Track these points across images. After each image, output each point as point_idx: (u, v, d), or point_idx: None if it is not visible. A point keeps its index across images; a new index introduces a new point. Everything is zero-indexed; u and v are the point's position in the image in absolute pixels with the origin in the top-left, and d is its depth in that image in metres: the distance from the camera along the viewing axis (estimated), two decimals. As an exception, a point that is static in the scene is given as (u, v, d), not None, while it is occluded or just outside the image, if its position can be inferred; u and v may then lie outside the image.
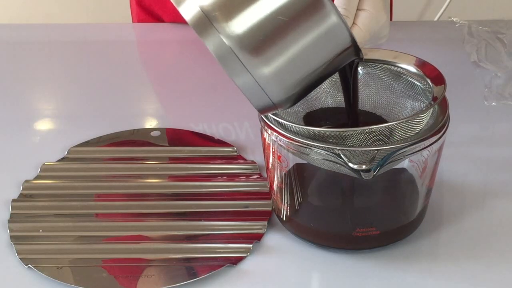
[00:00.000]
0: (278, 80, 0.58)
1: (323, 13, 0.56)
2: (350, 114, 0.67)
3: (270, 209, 0.72)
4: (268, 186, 0.71)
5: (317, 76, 0.60)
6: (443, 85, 0.65)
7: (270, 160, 0.67)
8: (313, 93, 0.70)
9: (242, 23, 0.55)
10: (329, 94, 0.70)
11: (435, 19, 1.75)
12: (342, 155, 0.60)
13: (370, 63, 0.70)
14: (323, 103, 0.70)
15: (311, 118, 0.69)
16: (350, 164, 0.59)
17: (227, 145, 0.82)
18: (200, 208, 0.73)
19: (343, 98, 0.70)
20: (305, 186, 0.66)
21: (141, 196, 0.75)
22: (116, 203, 0.74)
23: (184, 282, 0.65)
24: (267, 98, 0.58)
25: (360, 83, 0.70)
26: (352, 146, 0.61)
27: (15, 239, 0.69)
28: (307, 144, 0.61)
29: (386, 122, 0.68)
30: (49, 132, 0.89)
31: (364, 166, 0.59)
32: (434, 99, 0.63)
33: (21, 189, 0.75)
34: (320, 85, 0.69)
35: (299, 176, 0.66)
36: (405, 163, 0.64)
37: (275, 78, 0.57)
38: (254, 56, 0.56)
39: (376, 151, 0.60)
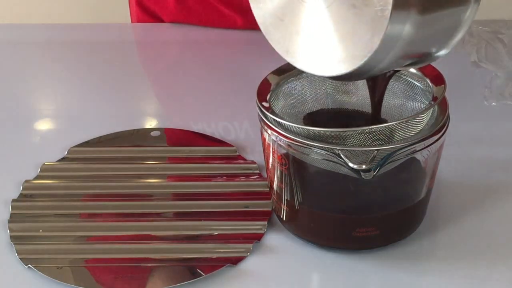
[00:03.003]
0: (405, 48, 0.55)
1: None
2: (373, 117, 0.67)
3: (270, 209, 0.72)
4: (268, 186, 0.71)
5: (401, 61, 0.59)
6: (443, 85, 0.65)
7: (270, 160, 0.67)
8: (313, 95, 0.70)
9: None
10: (329, 95, 0.70)
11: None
12: (342, 155, 0.60)
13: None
14: (323, 104, 0.70)
15: (311, 119, 0.69)
16: (350, 164, 0.59)
17: (227, 145, 0.82)
18: (200, 208, 0.73)
19: (342, 99, 0.70)
20: (305, 186, 0.66)
21: (141, 196, 0.75)
22: (116, 203, 0.74)
23: (184, 282, 0.65)
24: (369, 56, 0.54)
25: (360, 84, 0.70)
26: (352, 146, 0.61)
27: (15, 239, 0.69)
28: (307, 144, 0.61)
29: (386, 122, 0.68)
30: (49, 132, 0.89)
31: (364, 166, 0.59)
32: (434, 99, 0.63)
33: (21, 189, 0.75)
34: (321, 87, 0.70)
35: (299, 176, 0.66)
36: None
37: (407, 45, 0.55)
38: (422, 13, 0.53)
39: (376, 151, 0.60)
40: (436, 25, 0.56)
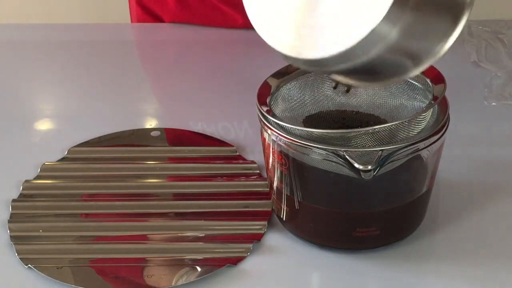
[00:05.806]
0: (384, 48, 0.51)
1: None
2: None
3: (270, 209, 0.72)
4: (268, 186, 0.71)
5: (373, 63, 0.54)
6: (443, 84, 0.65)
7: (270, 160, 0.67)
8: (312, 97, 0.70)
9: None
10: (329, 98, 0.70)
11: (435, 19, 1.74)
12: (347, 156, 0.60)
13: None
14: (323, 106, 0.70)
15: (311, 121, 0.69)
16: (356, 165, 0.59)
17: (227, 145, 0.82)
18: (200, 208, 0.73)
19: (342, 101, 0.70)
20: (305, 186, 0.66)
21: (141, 196, 0.75)
22: (116, 203, 0.74)
23: (184, 282, 0.65)
24: (358, 51, 0.51)
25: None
26: (356, 147, 0.61)
27: (15, 239, 0.69)
28: (310, 146, 0.61)
29: (388, 122, 0.68)
30: (49, 132, 0.89)
31: (369, 167, 0.59)
32: (435, 98, 0.63)
33: (21, 189, 0.75)
34: (320, 89, 0.70)
35: (299, 176, 0.66)
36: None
37: (388, 46, 0.50)
38: (413, 15, 0.49)
39: (380, 151, 0.60)
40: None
